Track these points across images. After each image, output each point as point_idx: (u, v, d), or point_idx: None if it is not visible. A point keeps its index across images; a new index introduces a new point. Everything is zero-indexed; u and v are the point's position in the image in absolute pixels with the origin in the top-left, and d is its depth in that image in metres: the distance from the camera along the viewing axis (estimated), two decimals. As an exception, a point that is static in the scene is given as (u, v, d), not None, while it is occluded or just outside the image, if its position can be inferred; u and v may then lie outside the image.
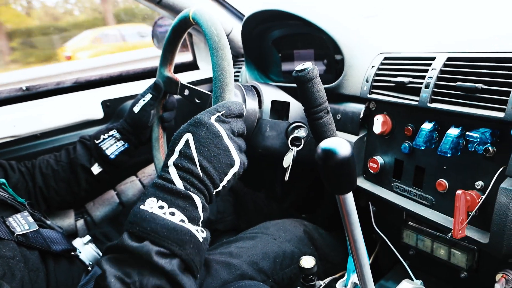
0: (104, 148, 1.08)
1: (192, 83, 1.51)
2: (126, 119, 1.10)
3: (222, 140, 0.62)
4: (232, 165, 0.62)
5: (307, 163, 0.98)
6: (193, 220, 0.56)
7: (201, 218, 0.57)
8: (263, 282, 0.97)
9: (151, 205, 0.55)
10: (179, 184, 0.57)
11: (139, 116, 1.07)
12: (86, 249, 1.00)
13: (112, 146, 1.09)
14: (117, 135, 1.09)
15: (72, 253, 0.95)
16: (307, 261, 0.94)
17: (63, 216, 1.25)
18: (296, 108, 1.02)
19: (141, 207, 0.56)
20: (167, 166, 0.60)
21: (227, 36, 1.43)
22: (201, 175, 0.59)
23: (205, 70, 1.57)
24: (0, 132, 1.23)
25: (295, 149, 0.93)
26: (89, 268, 0.97)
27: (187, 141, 0.61)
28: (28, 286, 0.74)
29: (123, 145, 1.09)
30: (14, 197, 0.93)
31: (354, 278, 0.97)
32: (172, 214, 0.55)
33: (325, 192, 1.56)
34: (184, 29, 0.95)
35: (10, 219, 0.81)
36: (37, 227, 0.86)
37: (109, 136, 1.09)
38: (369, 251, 1.10)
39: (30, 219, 0.86)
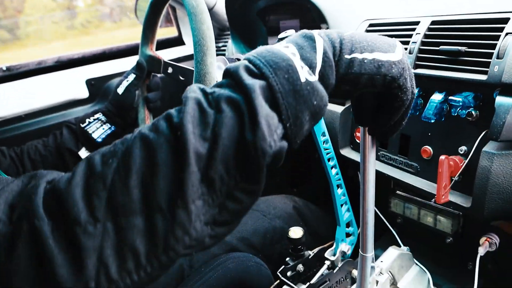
0: (90, 132, 1.06)
1: (178, 59, 1.48)
2: (111, 101, 1.08)
3: None
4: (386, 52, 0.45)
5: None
6: (306, 60, 0.42)
7: (318, 68, 0.43)
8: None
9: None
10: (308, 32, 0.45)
11: (124, 98, 1.05)
12: None
13: (98, 130, 1.07)
14: (103, 118, 1.07)
15: None
16: (295, 232, 0.95)
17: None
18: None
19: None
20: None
21: (211, 9, 1.40)
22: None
23: (191, 45, 1.54)
24: (-17, 114, 1.21)
25: None
26: None
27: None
28: None
29: (109, 128, 1.08)
30: (2, 175, 0.92)
31: (342, 247, 0.99)
32: (286, 47, 0.43)
33: (312, 167, 1.57)
34: (163, 3, 0.92)
35: None
36: None
37: (94, 120, 1.07)
38: (358, 222, 1.11)
39: None
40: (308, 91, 0.41)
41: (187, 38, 1.58)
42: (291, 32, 0.76)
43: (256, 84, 0.40)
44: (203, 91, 0.42)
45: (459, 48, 0.68)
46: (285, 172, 1.65)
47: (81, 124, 1.07)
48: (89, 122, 1.07)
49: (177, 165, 0.37)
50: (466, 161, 0.69)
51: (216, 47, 1.43)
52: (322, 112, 0.43)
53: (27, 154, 1.07)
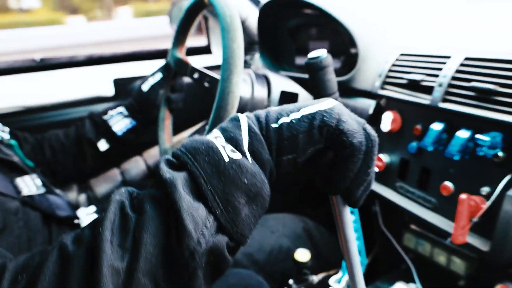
0: (111, 124, 1.08)
1: (205, 68, 1.50)
2: (135, 97, 1.10)
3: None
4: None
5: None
6: (229, 139, 0.40)
7: (245, 144, 0.41)
8: (255, 273, 0.97)
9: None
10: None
11: (148, 95, 1.07)
12: (89, 220, 1.01)
13: (119, 123, 1.09)
14: (125, 112, 1.09)
15: (75, 220, 0.96)
16: (302, 254, 0.93)
17: (66, 190, 1.27)
18: (305, 100, 1.00)
19: None
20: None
21: (243, 22, 1.41)
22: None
23: (218, 56, 1.56)
24: (11, 101, 1.24)
25: None
26: None
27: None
28: (24, 245, 0.75)
29: (130, 122, 1.10)
30: (23, 160, 0.94)
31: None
32: (210, 134, 0.42)
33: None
34: (198, 11, 0.94)
35: (19, 179, 0.82)
36: (44, 191, 0.86)
37: (117, 113, 1.10)
38: (368, 251, 1.08)
39: (38, 182, 0.87)
40: (234, 170, 0.38)
41: (215, 47, 1.60)
42: (322, 51, 0.76)
43: (176, 176, 0.37)
44: (130, 193, 0.40)
45: (492, 86, 0.66)
46: (298, 191, 1.62)
47: (103, 116, 1.09)
48: (111, 115, 1.09)
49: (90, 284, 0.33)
50: (489, 203, 0.66)
51: (243, 60, 1.45)
52: (261, 192, 0.39)
53: (48, 141, 1.09)
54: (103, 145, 1.09)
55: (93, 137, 1.08)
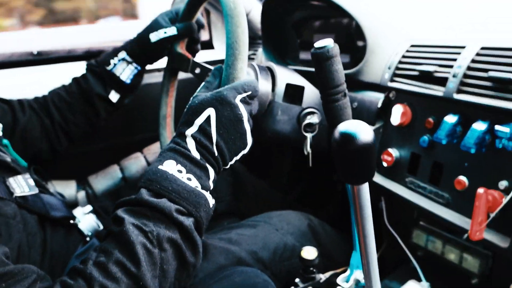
0: (118, 74, 1.03)
1: (206, 63, 1.47)
2: (138, 43, 1.03)
3: (243, 124, 0.64)
4: (244, 148, 0.66)
5: (318, 151, 0.93)
6: (205, 188, 0.60)
7: (211, 188, 0.62)
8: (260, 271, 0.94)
9: (171, 167, 0.58)
10: (196, 155, 0.60)
11: (154, 46, 1.00)
12: (86, 219, 0.97)
13: (125, 71, 1.03)
14: (128, 58, 1.03)
15: (71, 221, 0.92)
16: (309, 252, 0.90)
17: (64, 186, 1.23)
18: (310, 94, 0.97)
19: (160, 167, 0.58)
20: (185, 136, 0.61)
21: (246, 16, 1.39)
22: (216, 154, 0.62)
23: (220, 50, 1.53)
24: (8, 95, 1.21)
25: (310, 135, 0.89)
26: (87, 239, 0.94)
27: (208, 117, 0.61)
28: (24, 249, 0.72)
29: (136, 67, 1.04)
30: (16, 160, 0.91)
31: (356, 274, 0.93)
32: (189, 179, 0.58)
33: (329, 188, 1.51)
34: (199, 2, 0.92)
35: (11, 179, 0.79)
36: (37, 191, 0.83)
37: (119, 60, 1.03)
38: (377, 248, 1.05)
39: (31, 182, 0.84)
40: (212, 210, 0.61)
41: (217, 42, 1.57)
42: (329, 41, 0.73)
43: (189, 222, 0.57)
44: (142, 231, 0.54)
45: (511, 76, 0.63)
46: (300, 190, 1.60)
47: (106, 67, 1.04)
48: (114, 64, 1.03)
49: None
50: (508, 197, 0.64)
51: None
52: None
53: (52, 102, 1.04)
54: (114, 97, 1.04)
55: (103, 91, 1.03)
